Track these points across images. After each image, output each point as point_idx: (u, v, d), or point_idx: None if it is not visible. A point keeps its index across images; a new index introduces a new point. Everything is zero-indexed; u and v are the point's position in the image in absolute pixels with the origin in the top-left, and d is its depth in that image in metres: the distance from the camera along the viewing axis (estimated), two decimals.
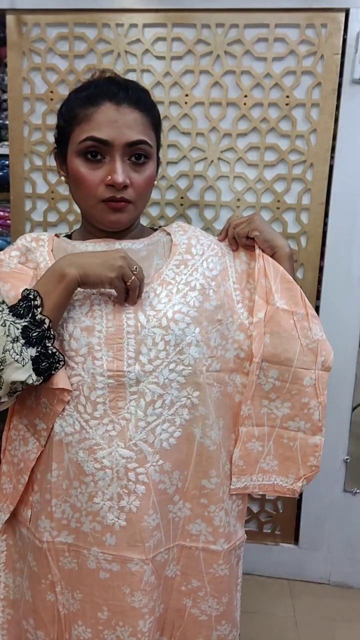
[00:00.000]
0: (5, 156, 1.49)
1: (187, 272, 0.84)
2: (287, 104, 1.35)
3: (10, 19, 1.39)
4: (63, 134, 0.83)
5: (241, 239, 0.88)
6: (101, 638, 0.83)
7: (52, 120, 1.42)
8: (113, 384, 0.79)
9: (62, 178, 0.87)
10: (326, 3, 1.30)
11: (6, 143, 1.50)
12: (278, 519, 1.62)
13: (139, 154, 0.80)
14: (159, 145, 0.86)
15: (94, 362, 0.78)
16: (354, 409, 1.52)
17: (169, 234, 0.89)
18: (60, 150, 0.85)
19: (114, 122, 0.78)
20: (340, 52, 1.31)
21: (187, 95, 1.38)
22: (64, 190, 1.44)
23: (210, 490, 0.85)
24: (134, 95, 0.80)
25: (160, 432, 0.80)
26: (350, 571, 1.61)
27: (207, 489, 0.85)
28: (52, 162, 1.40)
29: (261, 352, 0.85)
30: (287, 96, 1.35)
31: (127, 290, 0.78)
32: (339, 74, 1.33)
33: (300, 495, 1.58)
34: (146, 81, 1.38)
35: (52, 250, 0.86)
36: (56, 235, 0.89)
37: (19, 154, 1.45)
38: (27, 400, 0.85)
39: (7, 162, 1.49)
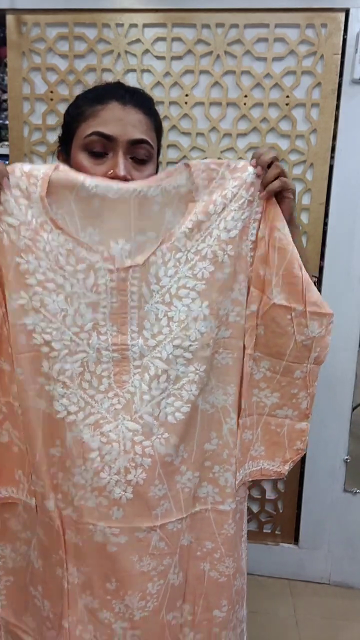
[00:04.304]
0: (6, 156, 1.49)
1: (199, 237, 0.79)
2: (287, 104, 1.36)
3: (10, 19, 1.39)
4: (69, 130, 0.87)
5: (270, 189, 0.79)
6: (109, 608, 0.83)
7: (52, 120, 1.42)
8: (117, 357, 0.79)
9: None
10: (326, 3, 1.30)
11: (6, 143, 1.50)
12: (278, 519, 1.62)
13: (140, 154, 0.84)
14: (159, 150, 0.90)
15: (99, 337, 0.78)
16: (354, 409, 1.52)
17: (191, 177, 0.78)
18: (64, 147, 0.89)
19: (119, 120, 0.82)
20: (340, 52, 1.31)
21: (187, 95, 1.38)
22: None
23: (213, 452, 0.85)
24: (139, 99, 0.86)
25: (165, 406, 0.80)
26: (350, 571, 1.61)
27: (209, 451, 0.85)
28: (52, 162, 1.41)
29: (253, 343, 0.85)
30: (287, 96, 1.35)
31: None
32: (339, 74, 1.33)
33: (300, 495, 1.58)
34: (146, 81, 1.38)
35: (45, 197, 0.75)
36: (55, 169, 0.76)
37: (19, 154, 1.45)
38: None
39: (7, 162, 1.48)
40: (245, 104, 1.37)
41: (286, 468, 0.90)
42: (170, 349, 0.79)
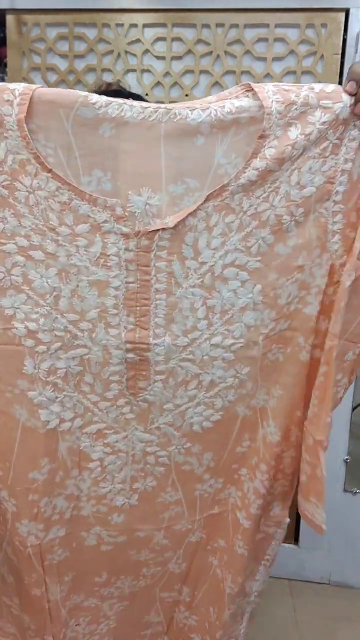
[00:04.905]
0: None
1: (262, 194, 0.55)
2: None
3: (10, 19, 1.39)
4: None
5: None
6: (97, 596, 0.72)
7: None
8: (133, 359, 0.59)
9: None
10: (326, 3, 1.29)
11: None
12: None
13: None
14: None
15: (107, 330, 0.58)
16: (354, 409, 1.52)
17: (260, 105, 0.54)
18: None
19: None
20: (340, 52, 1.31)
21: (187, 95, 1.38)
22: None
23: (242, 454, 0.68)
24: None
25: (191, 416, 0.63)
26: (350, 571, 1.61)
27: (239, 453, 0.69)
28: None
29: (339, 328, 0.60)
30: None
31: None
32: (339, 74, 1.33)
33: None
34: (146, 81, 1.38)
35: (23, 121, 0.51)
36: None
37: None
38: None
39: None
40: None
41: None
42: (207, 348, 0.60)
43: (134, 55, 1.38)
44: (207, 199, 0.54)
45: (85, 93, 0.52)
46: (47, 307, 0.57)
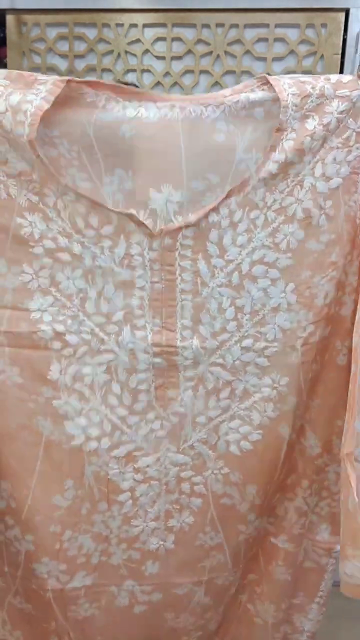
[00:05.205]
0: None
1: (285, 188, 0.54)
2: None
3: (10, 19, 1.39)
4: None
5: None
6: None
7: None
8: (161, 364, 0.57)
9: None
10: (326, 3, 1.29)
11: None
12: None
13: None
14: None
15: (133, 332, 0.56)
16: None
17: (276, 97, 0.53)
18: None
19: None
20: (340, 52, 1.31)
21: (187, 95, 1.38)
22: None
23: (277, 477, 0.63)
24: None
25: (226, 432, 0.59)
26: None
27: (276, 482, 0.64)
28: None
29: None
30: None
31: None
32: (339, 74, 1.33)
33: None
34: (146, 81, 1.38)
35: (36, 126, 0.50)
36: (69, 81, 0.53)
37: None
38: None
39: None
40: None
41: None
42: (238, 352, 0.57)
43: (134, 55, 1.38)
44: (228, 195, 0.53)
45: (104, 100, 0.53)
46: (74, 309, 0.56)
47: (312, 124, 0.53)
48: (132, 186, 0.54)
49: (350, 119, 0.54)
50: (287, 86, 0.52)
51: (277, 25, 1.32)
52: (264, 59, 1.34)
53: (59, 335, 0.56)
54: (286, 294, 0.56)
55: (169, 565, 0.62)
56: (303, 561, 0.68)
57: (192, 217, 0.53)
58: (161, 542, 0.61)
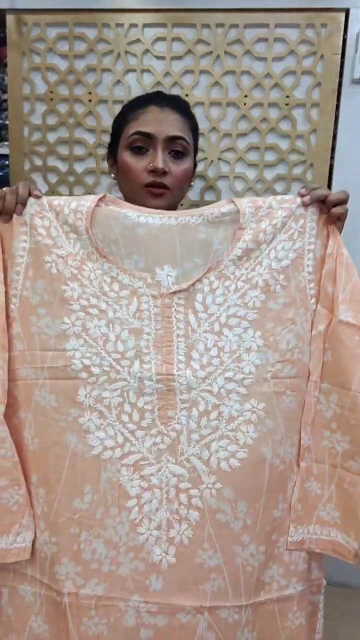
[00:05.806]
0: (5, 156, 1.49)
1: (249, 266, 0.77)
2: (287, 104, 1.35)
3: (10, 19, 1.39)
4: (115, 134, 0.99)
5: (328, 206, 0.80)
6: None
7: (52, 120, 1.42)
8: (162, 389, 0.75)
9: (112, 176, 1.03)
10: (326, 3, 1.30)
11: (6, 143, 1.50)
12: None
13: (177, 149, 0.93)
14: (196, 149, 0.98)
15: (141, 365, 0.75)
16: None
17: (237, 210, 0.79)
18: (112, 150, 1.01)
19: (157, 120, 0.92)
20: (340, 52, 1.31)
21: (187, 95, 1.38)
22: (63, 190, 1.44)
23: (279, 520, 0.76)
24: (175, 102, 0.97)
25: (216, 449, 0.74)
26: (350, 571, 1.61)
27: (276, 519, 0.75)
28: (52, 162, 1.41)
29: (319, 370, 0.77)
30: (287, 96, 1.35)
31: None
32: (339, 74, 1.33)
33: None
34: (146, 81, 1.38)
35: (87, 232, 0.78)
36: (100, 201, 0.79)
37: (19, 154, 1.45)
38: None
39: (7, 162, 1.49)
40: (245, 104, 1.37)
41: (355, 546, 0.76)
42: (222, 381, 0.74)
43: (134, 55, 1.38)
44: (208, 270, 0.77)
45: (125, 210, 0.78)
46: (98, 348, 0.76)
47: (264, 225, 0.78)
48: (143, 265, 0.77)
49: (293, 222, 0.78)
50: (245, 202, 0.78)
51: (277, 25, 1.32)
52: (264, 59, 1.34)
53: (86, 368, 0.76)
54: (255, 338, 0.76)
55: (171, 582, 0.71)
56: (307, 602, 0.79)
57: (184, 285, 0.76)
58: (163, 554, 0.71)
